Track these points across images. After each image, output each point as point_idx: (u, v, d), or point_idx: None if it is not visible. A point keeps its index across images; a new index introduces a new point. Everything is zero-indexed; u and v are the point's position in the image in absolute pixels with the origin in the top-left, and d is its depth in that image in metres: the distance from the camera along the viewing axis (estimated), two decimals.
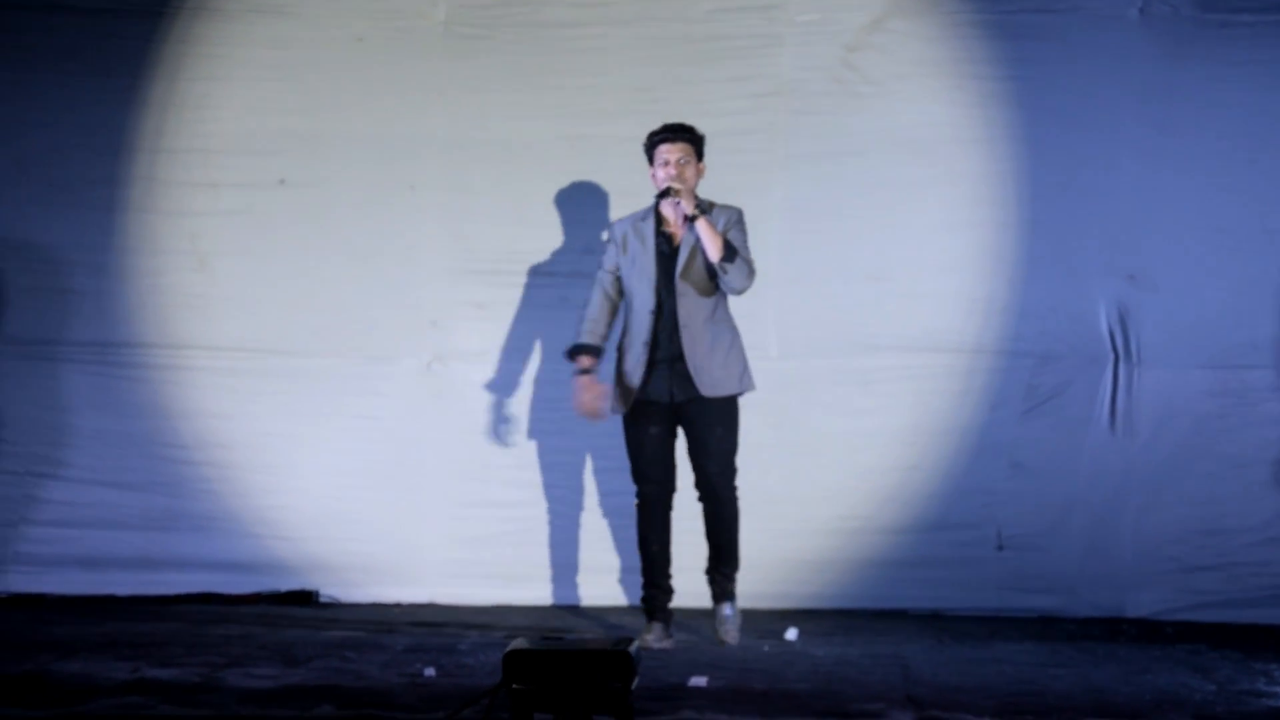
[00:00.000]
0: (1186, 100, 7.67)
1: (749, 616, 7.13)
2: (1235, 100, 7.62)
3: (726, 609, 6.87)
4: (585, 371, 6.87)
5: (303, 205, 7.96)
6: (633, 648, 4.63)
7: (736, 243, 6.67)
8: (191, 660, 6.25)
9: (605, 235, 7.11)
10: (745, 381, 6.83)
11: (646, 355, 6.75)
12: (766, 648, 6.76)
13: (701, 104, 7.62)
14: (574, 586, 7.77)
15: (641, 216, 6.87)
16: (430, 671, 6.00)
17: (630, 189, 7.61)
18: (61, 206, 7.79)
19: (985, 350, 7.73)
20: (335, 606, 7.79)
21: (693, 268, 6.72)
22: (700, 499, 6.85)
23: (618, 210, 7.71)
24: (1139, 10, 7.67)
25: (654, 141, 6.76)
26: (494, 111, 7.94)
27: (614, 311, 6.95)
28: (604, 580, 7.76)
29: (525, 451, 7.89)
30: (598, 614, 7.44)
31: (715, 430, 6.78)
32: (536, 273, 7.92)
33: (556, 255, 7.92)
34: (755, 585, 7.42)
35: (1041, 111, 7.72)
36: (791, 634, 7.01)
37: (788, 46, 7.81)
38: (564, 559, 7.82)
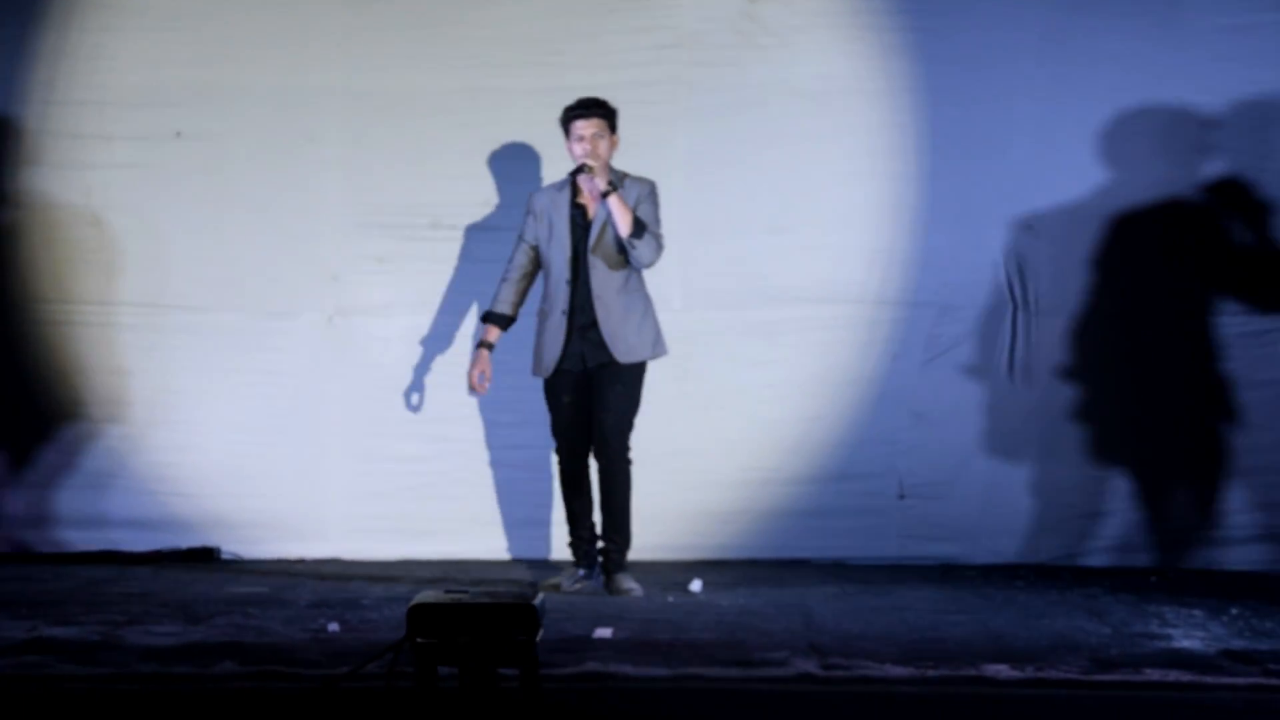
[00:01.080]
0: (1083, 40, 7.71)
1: (652, 568, 7.22)
2: (1130, 49, 7.67)
3: (625, 581, 6.92)
4: (486, 345, 7.05)
5: (200, 158, 7.91)
6: (537, 600, 4.63)
7: (648, 218, 6.83)
8: (90, 619, 6.18)
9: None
10: (658, 348, 6.99)
11: (565, 323, 6.87)
12: (671, 599, 6.80)
13: (603, 56, 7.69)
14: (477, 540, 7.76)
15: (559, 188, 7.04)
16: (334, 627, 5.98)
17: (533, 140, 7.71)
18: None
19: (886, 301, 7.78)
20: (237, 563, 7.78)
21: (604, 242, 6.88)
22: (595, 455, 6.96)
23: (520, 163, 7.78)
24: None
25: (569, 116, 6.90)
26: (393, 63, 7.91)
27: (530, 282, 7.09)
28: (507, 534, 7.79)
29: (428, 405, 7.87)
30: (501, 567, 7.45)
31: (616, 388, 6.90)
32: (438, 226, 7.91)
33: (458, 208, 7.91)
34: (659, 537, 7.53)
35: (940, 61, 7.77)
36: (696, 585, 7.04)
37: None
38: (468, 512, 7.81)
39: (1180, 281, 7.70)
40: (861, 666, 5.32)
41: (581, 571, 6.99)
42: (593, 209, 6.92)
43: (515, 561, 7.60)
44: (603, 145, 6.88)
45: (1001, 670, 5.25)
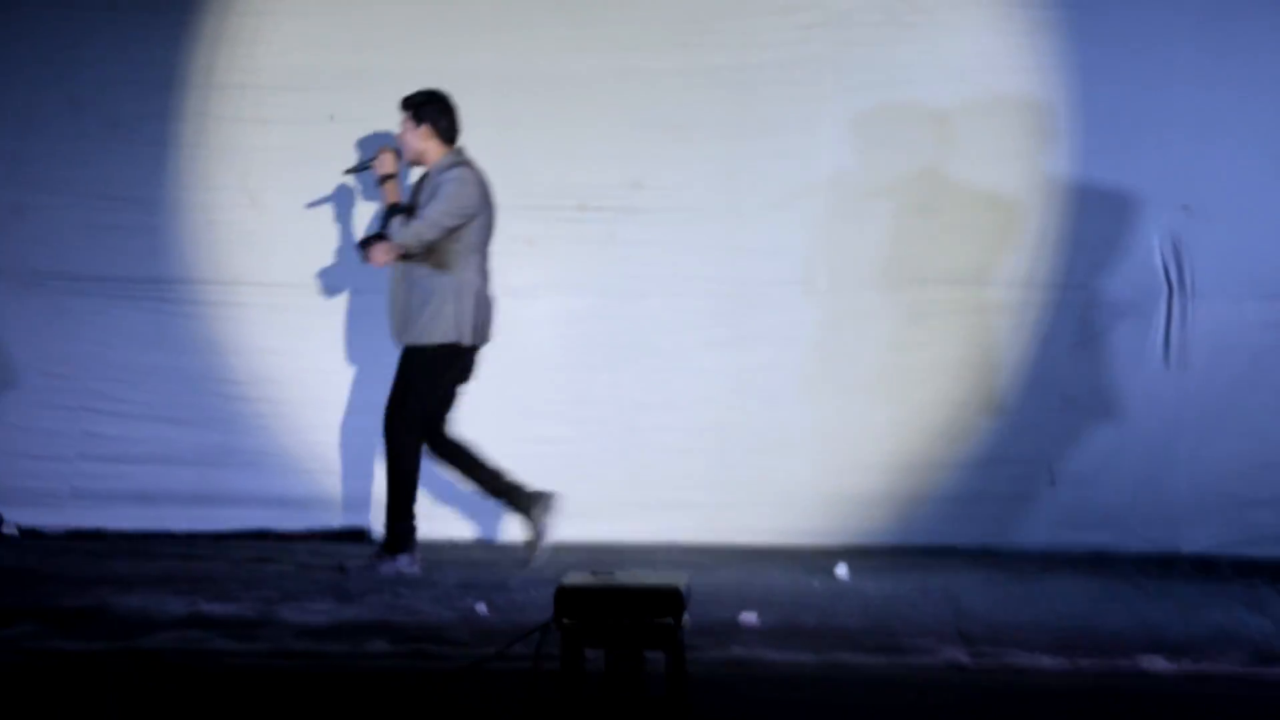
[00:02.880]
0: (1245, 21, 7.63)
1: (798, 554, 7.24)
2: None
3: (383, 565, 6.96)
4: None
5: (352, 142, 7.93)
6: (684, 584, 4.63)
7: (429, 205, 6.98)
8: (247, 596, 6.30)
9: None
10: (445, 334, 7.04)
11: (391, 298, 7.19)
12: (817, 584, 6.80)
13: (750, 36, 7.70)
14: (625, 522, 7.72)
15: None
16: (482, 607, 6.04)
17: (681, 122, 7.73)
18: (114, 143, 7.81)
19: (1037, 284, 7.73)
20: None
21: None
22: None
23: (667, 143, 7.78)
24: None
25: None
26: (542, 46, 7.95)
27: None
28: (654, 516, 7.74)
29: (575, 387, 7.92)
30: (648, 551, 7.42)
31: (401, 368, 7.10)
32: (585, 208, 7.92)
33: (606, 190, 7.92)
34: (805, 521, 7.57)
35: (1093, 38, 7.70)
36: (842, 570, 7.03)
37: None
38: (614, 495, 7.79)
39: None
40: (1012, 655, 5.31)
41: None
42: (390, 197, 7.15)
43: (661, 545, 7.56)
44: (407, 137, 7.10)
45: (1158, 663, 5.21)
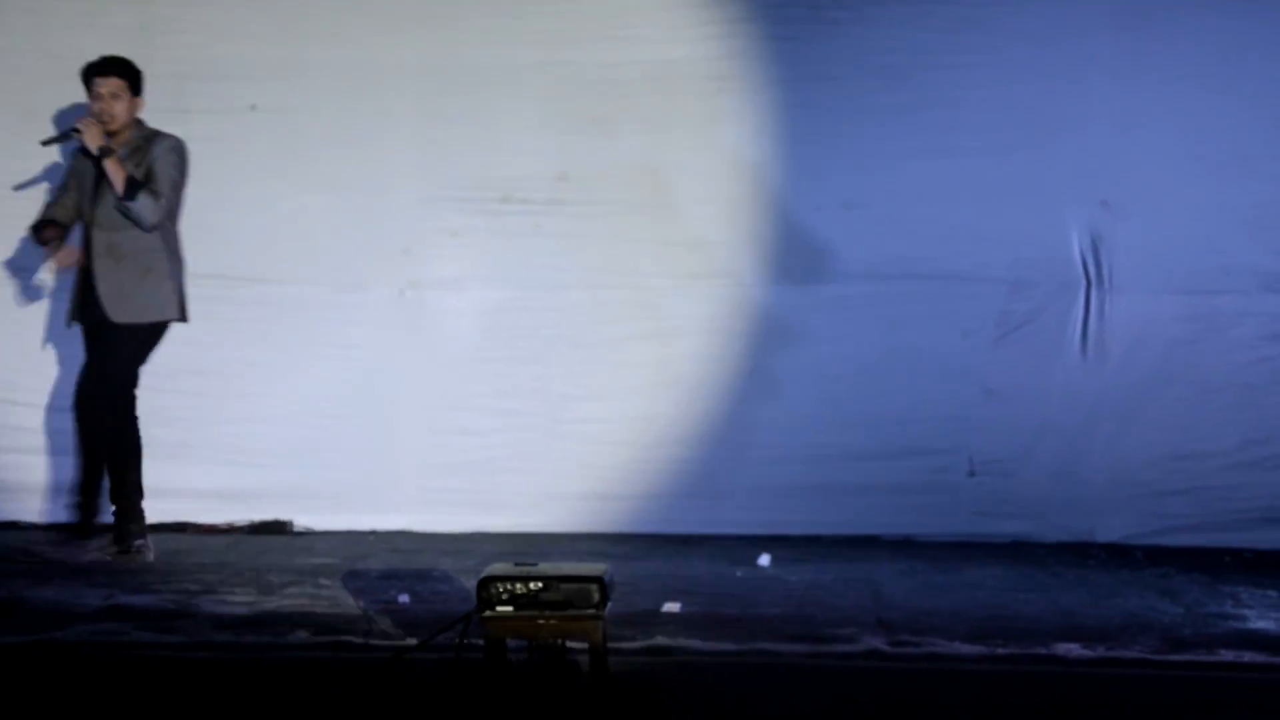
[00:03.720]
0: (1161, 24, 7.65)
1: (721, 543, 7.27)
2: (1211, 25, 7.61)
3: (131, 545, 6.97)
4: (48, 242, 7.01)
5: (274, 132, 7.91)
6: (607, 574, 4.66)
7: (163, 177, 6.85)
8: (166, 588, 6.28)
9: None
10: (166, 311, 6.99)
11: (80, 277, 6.99)
12: (739, 573, 6.81)
13: (675, 30, 7.71)
14: (547, 513, 7.74)
15: (60, 136, 7.11)
16: (405, 598, 6.05)
17: (603, 116, 7.72)
18: (30, 134, 7.70)
19: (958, 277, 7.73)
20: (310, 535, 7.80)
21: (103, 203, 6.85)
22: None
23: (592, 137, 7.77)
24: None
25: (89, 73, 6.91)
26: (465, 39, 7.90)
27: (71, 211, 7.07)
28: (577, 506, 7.74)
29: (499, 379, 7.87)
30: (571, 541, 7.44)
31: (111, 347, 6.96)
32: (509, 200, 7.87)
33: (529, 183, 7.88)
34: (727, 512, 7.58)
35: (1014, 35, 7.71)
36: (764, 560, 7.05)
37: None
38: (537, 486, 7.80)
39: (1261, 258, 7.63)
40: (931, 644, 5.38)
41: None
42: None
43: (584, 535, 7.57)
44: (119, 105, 6.86)
45: (1073, 649, 5.29)
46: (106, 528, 7.14)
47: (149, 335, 6.97)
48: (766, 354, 7.80)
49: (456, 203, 7.88)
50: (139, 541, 6.94)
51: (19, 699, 4.64)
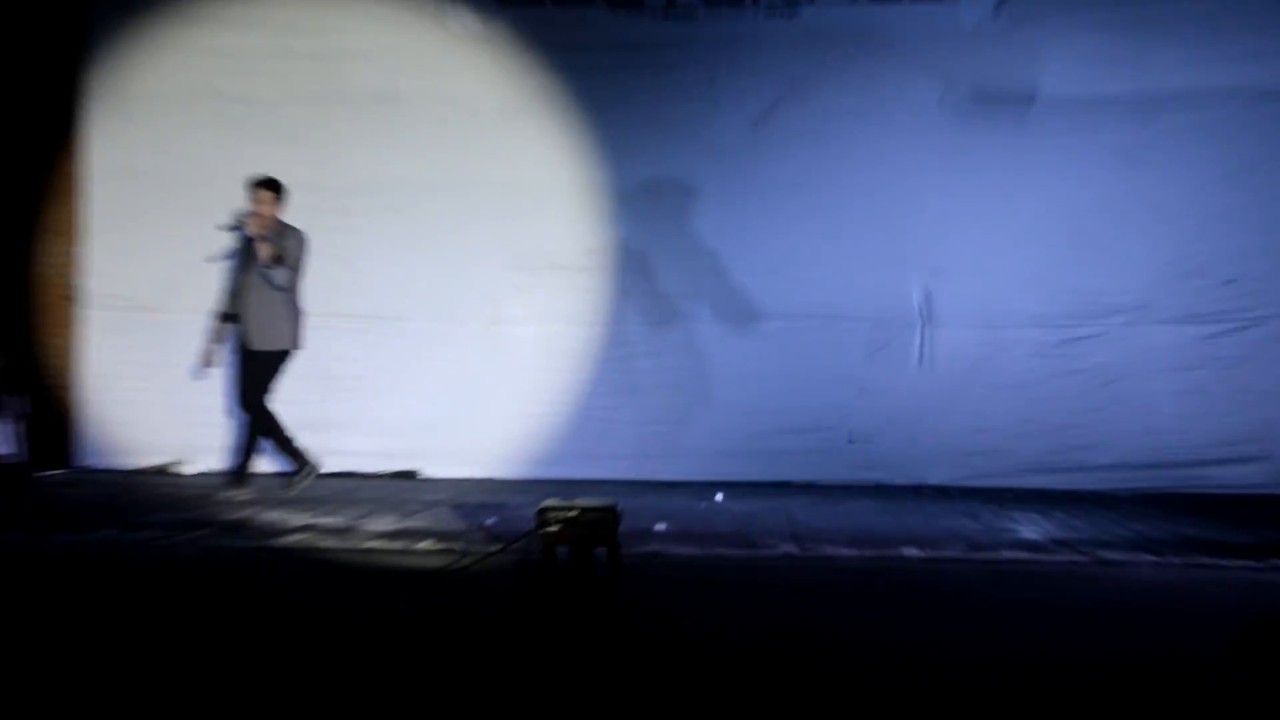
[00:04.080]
0: (978, 151, 7.54)
1: (691, 486, 7.22)
2: (1010, 143, 7.46)
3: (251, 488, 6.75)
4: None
5: (405, 223, 7.85)
6: (618, 504, 4.65)
7: (290, 254, 6.59)
8: (344, 512, 6.24)
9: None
10: (286, 343, 6.71)
11: (242, 316, 6.69)
12: (702, 505, 6.75)
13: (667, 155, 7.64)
14: (581, 466, 7.66)
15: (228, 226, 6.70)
16: (491, 520, 5.99)
17: (609, 215, 7.65)
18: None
19: (841, 316, 7.67)
20: (430, 481, 7.72)
21: (253, 269, 6.63)
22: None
23: (620, 208, 7.74)
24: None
25: (250, 186, 6.67)
26: (528, 162, 7.78)
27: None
28: (599, 462, 7.66)
29: (549, 380, 7.81)
30: (596, 485, 7.25)
31: (250, 367, 6.66)
32: (554, 266, 7.82)
33: (566, 253, 7.81)
34: (694, 466, 7.55)
35: (869, 145, 7.57)
36: (719, 497, 7.02)
37: None
38: (574, 448, 7.75)
39: (1030, 305, 7.55)
40: (824, 549, 5.32)
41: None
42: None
43: (603, 481, 7.43)
44: (267, 208, 6.58)
45: (913, 551, 5.28)
46: (255, 475, 6.95)
47: (277, 358, 6.73)
48: (718, 367, 7.73)
49: (522, 268, 7.82)
50: (295, 476, 6.80)
51: (249, 587, 4.57)
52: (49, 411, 7.84)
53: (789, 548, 5.35)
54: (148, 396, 7.83)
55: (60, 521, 5.71)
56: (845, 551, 5.27)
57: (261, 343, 6.68)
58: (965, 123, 7.57)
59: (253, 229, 6.58)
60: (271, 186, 6.69)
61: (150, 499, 6.59)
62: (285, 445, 6.79)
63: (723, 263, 7.75)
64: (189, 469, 7.81)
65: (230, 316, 6.76)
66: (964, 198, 7.57)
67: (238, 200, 6.80)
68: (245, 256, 6.72)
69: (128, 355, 7.87)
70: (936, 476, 7.58)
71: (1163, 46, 7.41)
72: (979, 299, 7.60)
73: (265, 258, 6.55)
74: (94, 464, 7.88)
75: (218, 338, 6.78)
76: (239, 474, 6.85)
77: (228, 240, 6.76)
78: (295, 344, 6.78)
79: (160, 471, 7.80)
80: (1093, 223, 7.48)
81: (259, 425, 6.75)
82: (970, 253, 7.59)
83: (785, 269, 7.69)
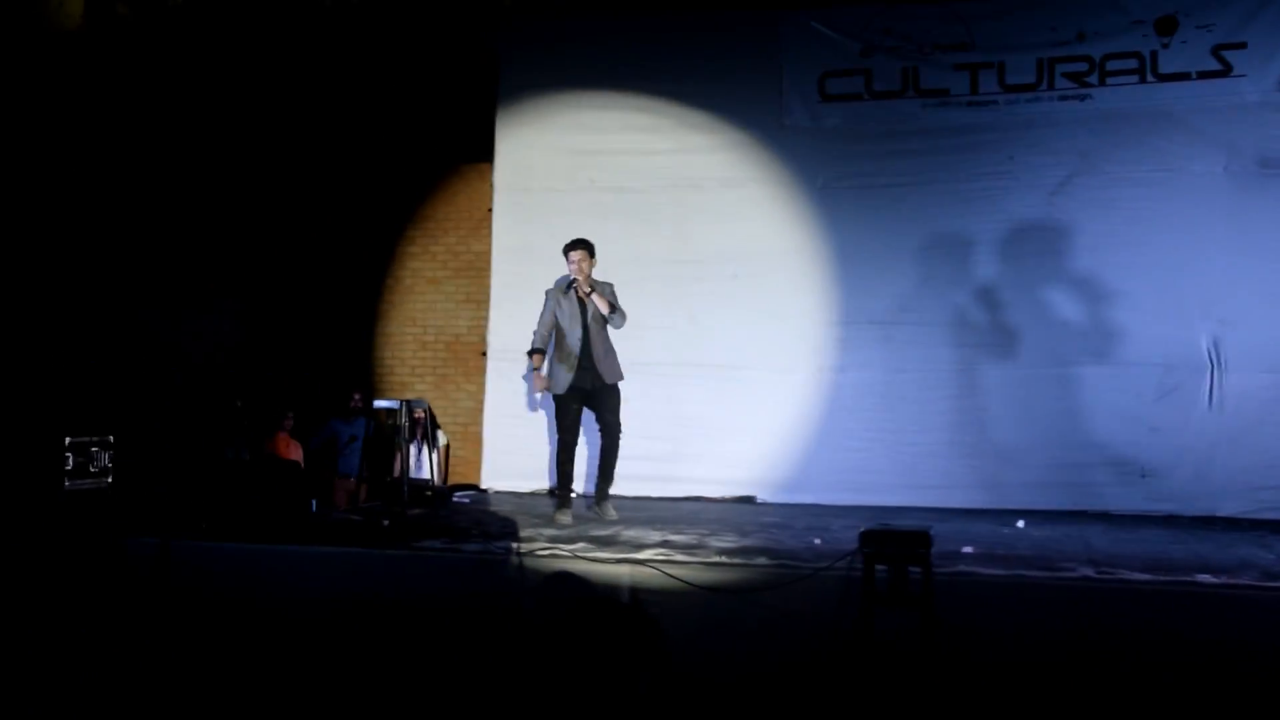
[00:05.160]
0: (1263, 213, 7.28)
1: (986, 514, 7.08)
2: None
3: (609, 508, 6.76)
4: (536, 368, 6.82)
5: (746, 287, 7.92)
6: (930, 529, 4.61)
7: (616, 303, 6.66)
8: (689, 532, 6.26)
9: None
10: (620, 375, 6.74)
11: (577, 362, 6.70)
12: (1005, 530, 6.53)
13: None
14: (895, 494, 7.53)
15: (564, 289, 6.77)
16: (818, 540, 5.94)
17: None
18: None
19: (1133, 362, 7.45)
20: (766, 505, 7.74)
21: (595, 316, 6.69)
22: (602, 434, 6.79)
23: (925, 271, 7.71)
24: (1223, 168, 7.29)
25: (567, 249, 6.72)
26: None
27: (549, 338, 6.83)
28: (913, 492, 7.53)
29: (868, 417, 7.73)
30: (910, 511, 7.09)
31: (613, 399, 6.72)
32: (869, 321, 7.85)
33: (880, 309, 7.83)
34: (1001, 494, 7.39)
35: (1159, 214, 7.40)
36: (1020, 523, 6.83)
37: None
38: (890, 480, 7.62)
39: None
40: (1120, 573, 5.13)
41: (569, 513, 6.67)
42: (586, 301, 6.67)
43: (917, 508, 7.28)
44: (586, 265, 6.63)
45: (1206, 578, 5.06)
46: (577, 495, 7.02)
47: (619, 390, 6.80)
48: (1020, 407, 7.54)
49: (843, 323, 7.81)
50: (612, 510, 6.84)
51: (612, 594, 4.74)
52: (463, 443, 8.48)
53: (1086, 570, 5.16)
54: (535, 431, 8.31)
55: (468, 534, 5.96)
56: (1140, 576, 5.05)
57: (613, 377, 6.77)
58: (1249, 187, 7.29)
59: (583, 285, 6.70)
60: (587, 247, 6.75)
61: (540, 516, 6.81)
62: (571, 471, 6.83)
63: (1019, 317, 7.62)
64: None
65: (537, 353, 6.81)
66: (1249, 255, 7.26)
67: (599, 273, 6.94)
68: (573, 310, 6.75)
69: (521, 398, 8.41)
70: (1227, 509, 7.20)
71: None
72: (1266, 347, 7.26)
73: (604, 308, 6.67)
74: (496, 487, 8.22)
75: (539, 375, 6.87)
76: (601, 495, 6.92)
77: (559, 299, 6.83)
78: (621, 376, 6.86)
79: (549, 494, 7.92)
80: None
81: (616, 449, 6.76)
82: (1256, 304, 7.27)
83: (1078, 320, 7.54)
